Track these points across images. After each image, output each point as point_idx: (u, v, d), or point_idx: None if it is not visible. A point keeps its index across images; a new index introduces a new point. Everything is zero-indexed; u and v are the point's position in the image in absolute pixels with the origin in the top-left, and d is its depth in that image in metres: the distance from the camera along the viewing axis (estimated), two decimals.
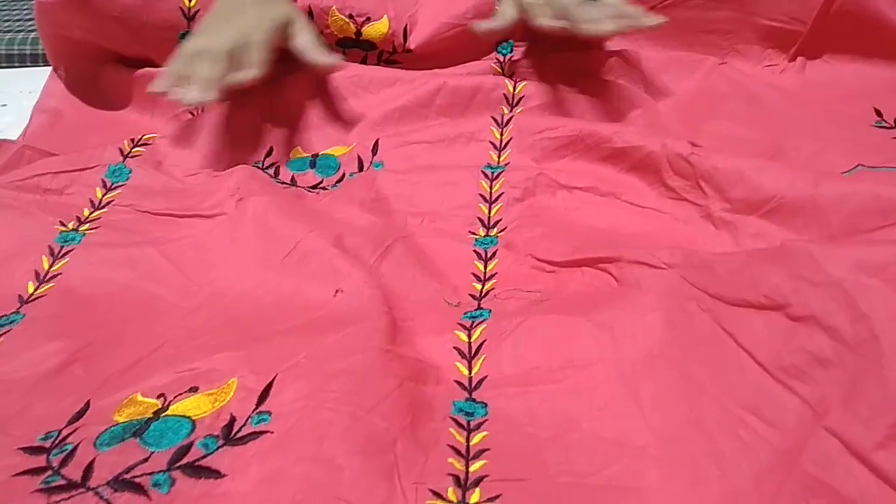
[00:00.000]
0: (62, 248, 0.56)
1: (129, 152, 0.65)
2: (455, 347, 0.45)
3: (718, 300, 0.44)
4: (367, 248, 0.54)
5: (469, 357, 0.45)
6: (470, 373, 0.43)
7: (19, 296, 0.51)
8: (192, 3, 0.68)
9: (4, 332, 0.48)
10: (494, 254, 0.54)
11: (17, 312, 0.50)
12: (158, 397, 0.41)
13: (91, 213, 0.59)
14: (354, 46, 0.71)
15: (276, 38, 0.63)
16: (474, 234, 0.57)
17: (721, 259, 0.47)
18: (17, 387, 0.43)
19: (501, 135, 0.63)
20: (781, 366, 0.39)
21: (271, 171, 0.65)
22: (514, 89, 0.67)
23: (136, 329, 0.49)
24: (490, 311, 0.48)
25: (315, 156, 0.66)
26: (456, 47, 0.70)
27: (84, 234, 0.57)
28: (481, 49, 0.70)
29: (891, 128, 0.65)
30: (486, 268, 0.54)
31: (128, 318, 0.50)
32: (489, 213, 0.58)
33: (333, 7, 0.69)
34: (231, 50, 0.59)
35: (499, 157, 0.63)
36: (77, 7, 0.66)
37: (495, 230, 0.57)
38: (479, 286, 0.54)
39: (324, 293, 0.49)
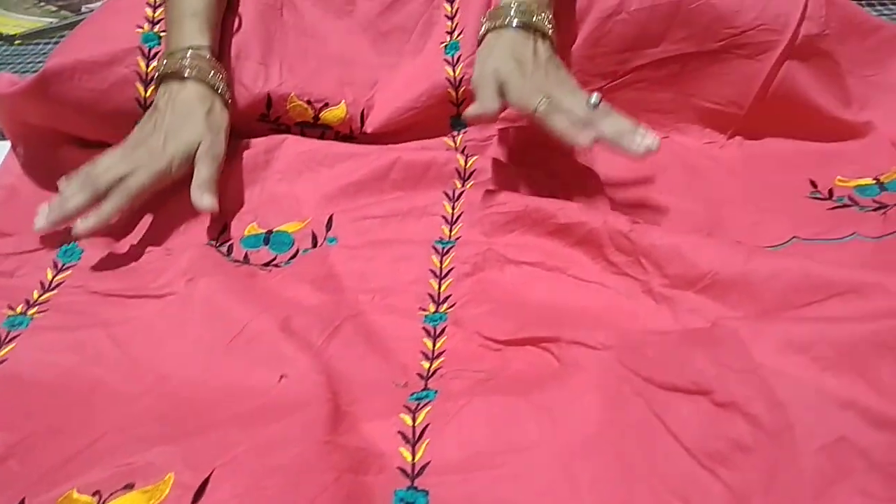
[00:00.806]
0: (9, 332, 0.56)
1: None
2: (399, 432, 0.46)
3: (650, 383, 0.45)
4: (315, 328, 0.55)
5: (413, 442, 0.46)
6: (413, 458, 0.44)
7: None
8: (148, 94, 0.69)
9: None
10: (443, 331, 0.55)
11: None
12: (94, 494, 0.41)
13: (41, 296, 0.59)
14: (312, 128, 0.72)
15: (165, 178, 0.63)
16: (424, 310, 0.58)
17: (654, 341, 0.48)
18: None
19: (453, 209, 0.65)
20: (706, 451, 0.40)
21: (225, 248, 0.66)
22: (466, 164, 0.69)
23: (79, 418, 0.49)
24: (437, 391, 0.49)
25: (269, 232, 0.67)
26: (411, 128, 0.71)
27: (32, 317, 0.57)
28: (436, 128, 0.72)
29: (825, 199, 0.68)
30: (434, 345, 0.55)
31: (70, 406, 0.50)
32: (439, 288, 0.59)
33: (293, 94, 0.70)
34: (109, 185, 0.61)
35: (450, 231, 0.65)
36: (35, 97, 0.67)
37: (445, 306, 0.58)
38: (427, 364, 0.55)
39: (268, 378, 0.49)
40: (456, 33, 0.73)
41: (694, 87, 0.71)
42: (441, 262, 0.61)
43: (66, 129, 0.71)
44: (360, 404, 0.49)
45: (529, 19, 0.63)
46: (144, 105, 0.68)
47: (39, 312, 0.58)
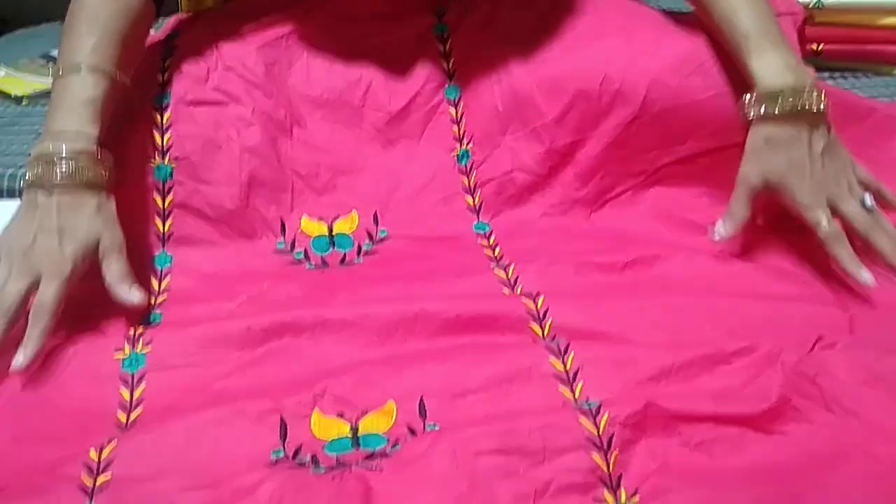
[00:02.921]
0: None
1: (94, 486, 0.47)
2: None
3: None
4: None
5: None
6: None
7: None
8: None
9: None
10: None
11: None
12: None
13: None
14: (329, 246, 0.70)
15: (74, 281, 0.58)
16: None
17: None
18: None
19: (564, 364, 0.56)
20: None
21: (308, 459, 0.51)
22: (538, 305, 0.60)
23: None
24: None
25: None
26: (433, 230, 0.71)
27: None
28: (458, 228, 0.71)
29: None
30: None
31: None
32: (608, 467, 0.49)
33: (304, 215, 0.71)
34: (17, 304, 0.57)
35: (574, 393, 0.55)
36: None
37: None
38: None
39: None
40: (465, 141, 0.73)
41: (727, 180, 0.68)
42: (598, 429, 0.51)
43: None
44: None
45: (799, 104, 0.60)
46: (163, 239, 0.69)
47: None
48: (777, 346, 0.54)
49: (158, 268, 0.67)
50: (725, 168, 0.67)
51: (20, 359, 0.55)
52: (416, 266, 0.68)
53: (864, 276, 0.59)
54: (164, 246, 0.68)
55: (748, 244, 0.68)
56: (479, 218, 0.72)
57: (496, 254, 0.69)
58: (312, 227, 0.71)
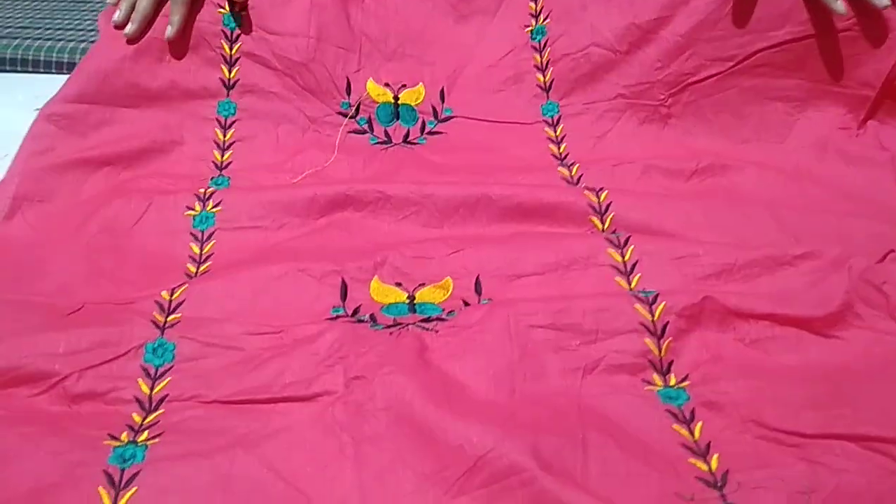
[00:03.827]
0: (122, 471, 0.39)
1: (166, 321, 0.49)
2: None
3: None
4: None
5: None
6: None
7: None
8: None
9: None
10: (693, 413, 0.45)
11: None
12: None
13: (145, 418, 0.43)
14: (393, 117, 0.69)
15: None
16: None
17: None
18: None
19: (623, 256, 0.56)
20: None
21: (367, 318, 0.52)
22: (600, 199, 0.60)
23: None
24: None
25: (412, 299, 0.55)
26: (499, 111, 0.70)
27: (146, 445, 0.41)
28: (526, 114, 0.70)
29: None
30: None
31: None
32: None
33: (370, 78, 0.70)
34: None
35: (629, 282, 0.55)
36: None
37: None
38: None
39: None
40: (542, 17, 0.71)
41: (821, 71, 0.65)
42: (653, 316, 0.51)
43: None
44: None
45: None
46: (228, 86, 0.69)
47: (152, 438, 0.42)
48: (845, 252, 0.53)
49: (223, 116, 0.68)
50: (819, 60, 0.65)
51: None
52: (478, 158, 0.68)
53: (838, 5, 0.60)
54: (228, 93, 0.69)
55: (822, 171, 0.65)
56: (548, 97, 0.71)
57: (561, 151, 0.69)
58: (378, 92, 0.70)
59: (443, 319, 0.52)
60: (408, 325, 0.51)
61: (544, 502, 0.39)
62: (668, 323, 0.50)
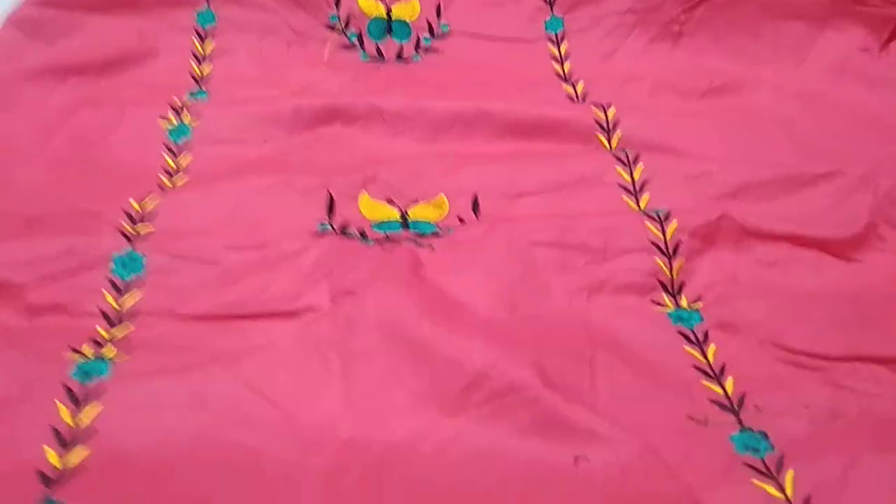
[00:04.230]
0: (85, 386, 0.36)
1: (136, 231, 0.45)
2: None
3: None
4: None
5: None
6: None
7: (39, 472, 0.31)
8: None
9: None
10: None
11: (48, 502, 0.30)
12: None
13: (111, 332, 0.39)
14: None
15: None
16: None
17: None
18: None
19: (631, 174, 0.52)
20: None
21: (355, 232, 0.48)
22: (607, 115, 0.56)
23: None
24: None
25: (405, 216, 0.51)
26: (499, 28, 0.64)
27: (112, 361, 0.38)
28: (528, 31, 0.64)
29: None
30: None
31: (222, 495, 0.32)
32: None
33: None
34: None
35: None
36: None
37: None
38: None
39: (553, 455, 0.33)
40: None
41: None
42: (665, 234, 0.47)
43: None
44: None
45: None
46: None
47: (119, 353, 0.38)
48: (871, 170, 0.49)
49: (202, 26, 0.63)
50: None
51: None
52: (477, 76, 0.64)
53: None
54: (208, 2, 0.64)
55: (840, 94, 0.61)
56: (552, 12, 0.66)
57: (565, 70, 0.64)
58: (369, 5, 0.64)
59: (438, 236, 0.48)
60: (401, 241, 0.47)
61: (548, 422, 0.36)
62: (680, 242, 0.47)
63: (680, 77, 0.62)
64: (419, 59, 0.64)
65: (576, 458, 0.35)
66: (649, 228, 0.47)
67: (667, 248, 0.46)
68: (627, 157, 0.53)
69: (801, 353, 0.41)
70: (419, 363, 0.39)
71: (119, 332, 0.42)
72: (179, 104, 0.57)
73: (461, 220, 0.50)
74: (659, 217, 0.47)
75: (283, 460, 0.35)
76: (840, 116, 0.60)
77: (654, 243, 0.46)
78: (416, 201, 0.51)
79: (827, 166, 0.51)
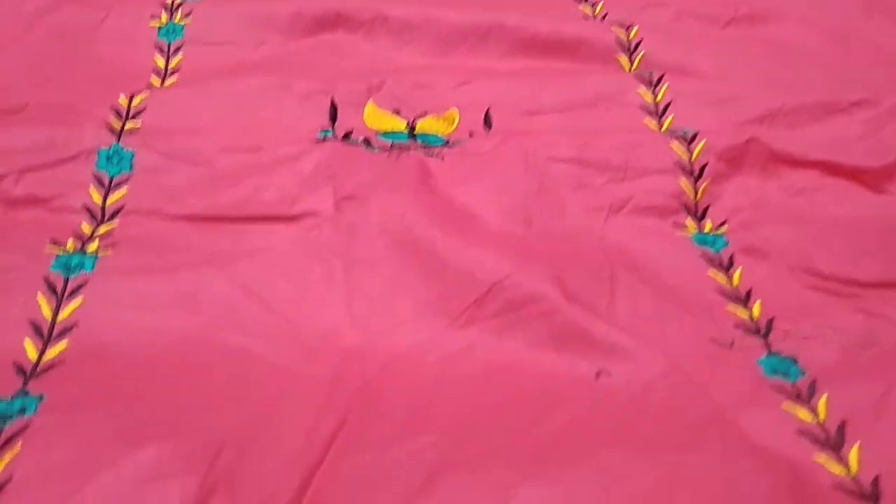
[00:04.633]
0: (66, 280, 0.32)
1: (123, 127, 0.42)
2: None
3: None
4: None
5: None
6: None
7: (16, 364, 0.28)
8: None
9: (18, 433, 0.25)
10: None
11: (23, 394, 0.27)
12: None
13: (96, 229, 0.36)
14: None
15: None
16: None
17: None
18: None
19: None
20: None
21: (360, 141, 0.45)
22: (630, 36, 0.52)
23: (232, 414, 0.28)
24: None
25: (412, 126, 0.47)
26: None
27: (96, 256, 0.34)
28: None
29: None
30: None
31: (209, 397, 0.29)
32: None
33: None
34: None
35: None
36: None
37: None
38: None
39: (572, 369, 0.31)
40: None
41: None
42: (691, 155, 0.44)
43: None
44: None
45: None
46: None
47: (105, 248, 0.35)
48: None
49: None
50: None
51: None
52: None
53: None
54: None
55: (869, 31, 0.58)
56: None
57: None
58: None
59: (448, 147, 0.44)
60: (409, 149, 0.44)
61: (568, 336, 0.33)
62: (706, 164, 0.44)
63: (703, 5, 0.58)
64: None
65: (597, 374, 0.32)
66: (674, 148, 0.44)
67: (692, 170, 0.44)
68: (651, 77, 0.50)
69: (833, 279, 0.39)
70: (428, 272, 0.36)
71: (104, 228, 0.38)
72: (171, 3, 0.53)
73: (472, 135, 0.47)
74: (686, 137, 0.44)
75: (281, 367, 0.33)
76: (870, 52, 0.57)
77: (678, 164, 0.44)
78: (424, 114, 0.48)
79: (860, 94, 0.48)
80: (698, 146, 0.44)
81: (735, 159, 0.45)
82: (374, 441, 0.28)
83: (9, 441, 0.27)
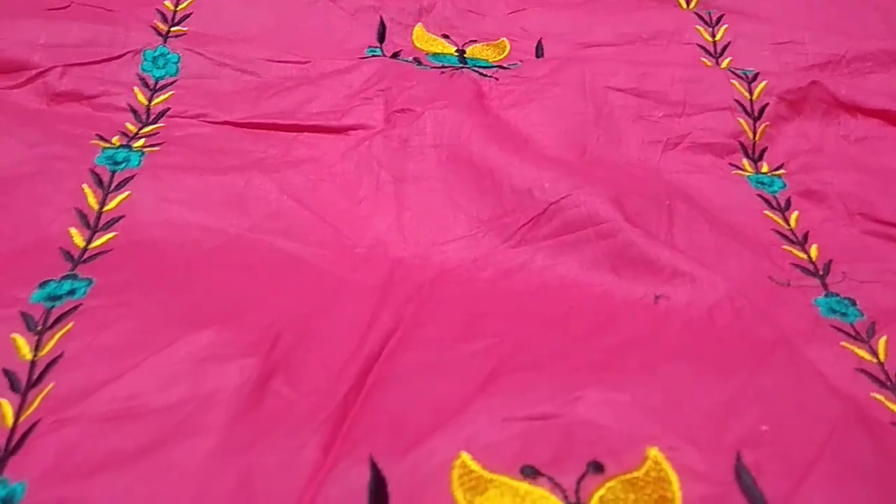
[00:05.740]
0: (113, 173, 0.31)
1: (169, 30, 0.40)
2: None
3: None
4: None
5: None
6: None
7: (63, 249, 0.27)
8: None
9: (69, 312, 0.24)
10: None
11: (73, 276, 0.26)
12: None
13: (141, 129, 0.35)
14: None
15: None
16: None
17: None
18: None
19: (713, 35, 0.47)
20: None
21: (411, 60, 0.44)
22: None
23: (303, 313, 0.27)
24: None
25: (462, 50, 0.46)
26: None
27: (143, 152, 0.33)
28: None
29: None
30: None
31: (266, 296, 0.28)
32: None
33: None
34: None
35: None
36: None
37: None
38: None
39: (630, 290, 0.30)
40: None
41: None
42: (752, 94, 0.43)
43: None
44: None
45: None
46: None
47: (151, 146, 0.34)
48: None
49: None
50: None
51: None
52: None
53: None
54: None
55: None
56: None
57: None
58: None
59: (503, 69, 0.43)
60: (461, 69, 0.42)
61: (627, 258, 0.32)
62: (767, 105, 0.42)
63: None
64: None
65: (656, 297, 0.31)
66: (735, 86, 0.43)
67: (752, 110, 0.42)
68: (710, 16, 0.48)
69: (892, 224, 0.37)
70: (482, 190, 0.35)
71: (149, 129, 0.37)
72: None
73: (523, 63, 0.45)
74: (747, 77, 0.43)
75: (329, 272, 0.32)
76: None
77: (739, 102, 0.42)
78: (474, 41, 0.47)
79: None
80: (760, 86, 0.43)
81: (796, 102, 0.43)
82: (432, 340, 0.27)
83: (59, 320, 0.27)
